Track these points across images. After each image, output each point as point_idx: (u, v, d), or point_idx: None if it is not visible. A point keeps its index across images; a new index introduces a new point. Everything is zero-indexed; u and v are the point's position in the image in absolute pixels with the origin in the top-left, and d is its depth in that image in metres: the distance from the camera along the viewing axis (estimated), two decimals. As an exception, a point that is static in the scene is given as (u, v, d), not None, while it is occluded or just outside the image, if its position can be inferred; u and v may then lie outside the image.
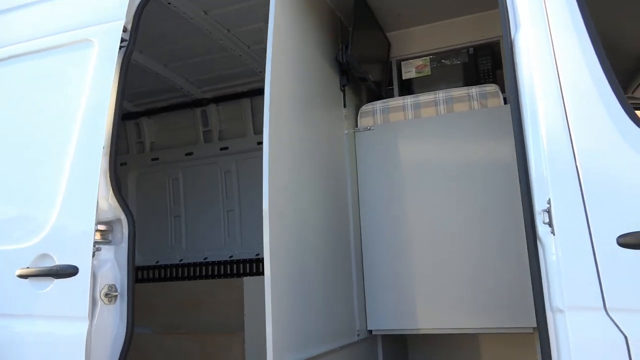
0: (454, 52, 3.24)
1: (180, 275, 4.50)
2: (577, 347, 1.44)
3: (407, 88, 3.38)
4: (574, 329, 1.45)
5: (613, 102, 1.52)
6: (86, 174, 2.08)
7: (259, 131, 4.24)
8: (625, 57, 2.94)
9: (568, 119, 1.56)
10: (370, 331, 2.94)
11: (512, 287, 2.56)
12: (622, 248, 1.42)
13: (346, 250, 2.84)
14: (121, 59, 2.24)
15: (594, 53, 1.58)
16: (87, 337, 1.91)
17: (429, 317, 2.83)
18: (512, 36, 1.75)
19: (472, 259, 2.71)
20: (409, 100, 3.04)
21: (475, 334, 3.17)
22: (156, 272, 4.57)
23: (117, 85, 2.20)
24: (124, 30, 2.26)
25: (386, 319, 2.91)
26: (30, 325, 2.01)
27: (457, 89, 2.96)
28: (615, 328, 1.40)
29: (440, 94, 2.95)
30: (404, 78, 3.33)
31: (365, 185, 3.02)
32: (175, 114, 4.47)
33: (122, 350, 2.06)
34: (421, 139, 2.93)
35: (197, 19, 3.15)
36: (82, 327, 1.92)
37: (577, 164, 1.51)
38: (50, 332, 1.97)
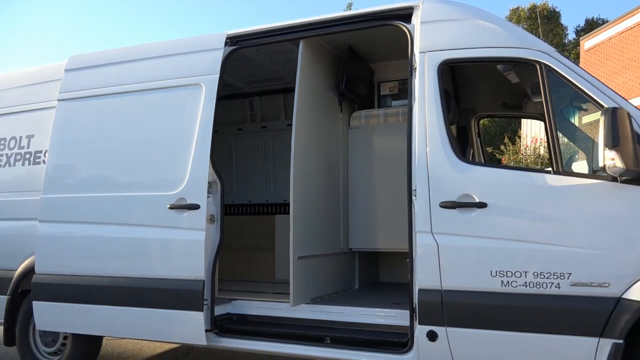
0: (413, 80, 5.06)
1: (231, 212, 6.51)
2: (420, 248, 3.39)
3: (385, 100, 5.26)
4: (419, 240, 3.40)
5: (446, 141, 3.40)
6: (201, 158, 4.03)
7: (288, 116, 6.12)
8: (514, 91, 4.72)
9: (427, 148, 3.45)
10: (351, 249, 4.98)
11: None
12: (440, 207, 3.35)
13: (337, 197, 4.84)
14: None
15: (442, 118, 3.44)
16: (205, 238, 3.95)
17: (392, 240, 4.75)
18: (412, 104, 3.62)
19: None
20: (381, 111, 4.94)
21: None
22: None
23: (214, 109, 4.13)
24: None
25: (362, 240, 4.92)
26: (174, 232, 4.03)
27: (410, 106, 4.83)
28: (434, 240, 3.35)
29: (400, 109, 4.83)
30: (381, 94, 5.21)
31: (351, 161, 4.96)
32: (231, 101, 6.31)
33: (217, 249, 4.09)
34: (385, 136, 4.84)
35: (251, 53, 5.02)
36: (202, 234, 3.94)
37: (428, 169, 3.42)
38: (186, 235, 4.00)
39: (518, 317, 3.15)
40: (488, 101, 5.14)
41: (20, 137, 5.12)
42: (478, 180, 3.33)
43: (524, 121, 22.35)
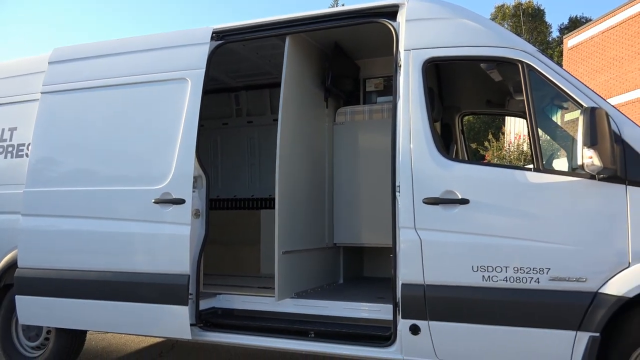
0: (398, 77, 5.10)
1: (217, 206, 6.49)
2: (403, 244, 3.44)
3: (370, 97, 5.29)
4: (403, 236, 3.45)
5: (429, 138, 3.45)
6: (186, 152, 4.02)
7: (274, 111, 6.12)
8: (498, 89, 4.78)
9: (411, 145, 3.49)
10: (335, 244, 5.02)
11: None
12: (423, 203, 3.40)
13: (322, 192, 4.88)
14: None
15: (426, 115, 3.49)
16: (190, 233, 3.95)
17: (376, 236, 4.80)
18: (396, 101, 3.66)
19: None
20: (366, 107, 4.98)
21: None
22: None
23: (200, 104, 4.13)
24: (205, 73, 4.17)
25: (346, 235, 4.96)
26: (159, 226, 4.02)
27: (395, 103, 4.87)
28: (417, 236, 3.40)
29: (385, 105, 4.87)
30: (367, 91, 5.25)
31: (337, 156, 4.99)
32: (216, 95, 6.28)
33: (202, 243, 4.09)
34: (370, 132, 4.88)
35: (237, 48, 5.02)
36: (187, 229, 3.94)
37: (412, 165, 3.47)
38: (171, 230, 3.99)
39: (498, 311, 3.22)
40: (472, 99, 5.21)
41: (3, 130, 5.06)
42: (460, 177, 3.38)
43: (507, 118, 22.61)
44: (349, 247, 5.16)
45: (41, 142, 4.57)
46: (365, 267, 5.58)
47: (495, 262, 3.23)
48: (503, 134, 23.34)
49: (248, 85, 6.22)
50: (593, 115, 2.95)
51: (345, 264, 5.18)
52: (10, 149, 4.99)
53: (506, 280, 3.21)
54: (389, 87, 5.20)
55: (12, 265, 4.56)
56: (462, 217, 3.32)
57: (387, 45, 4.70)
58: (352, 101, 5.25)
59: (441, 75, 5.03)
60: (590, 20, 24.98)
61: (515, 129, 21.67)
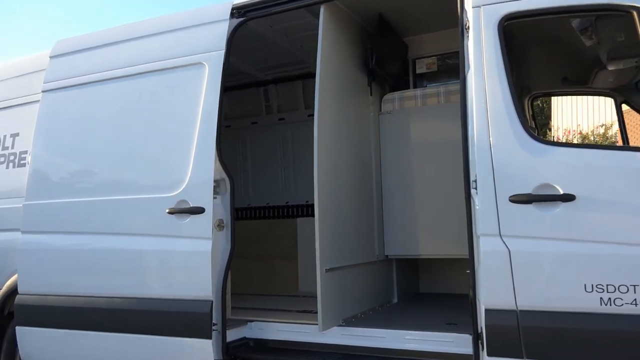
0: (454, 54, 4.28)
1: (248, 216, 5.82)
2: (485, 257, 2.62)
3: (421, 79, 4.49)
4: (484, 246, 2.63)
5: (514, 117, 2.63)
6: (205, 152, 3.33)
7: (308, 106, 5.41)
8: (581, 61, 3.90)
9: (489, 127, 2.68)
10: (387, 256, 4.21)
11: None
12: (511, 202, 2.58)
13: (369, 197, 4.08)
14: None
15: (507, 87, 2.67)
16: (212, 249, 3.23)
17: (437, 245, 4.01)
18: (465, 73, 2.86)
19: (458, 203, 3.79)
20: (418, 92, 4.17)
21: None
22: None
23: (220, 92, 3.42)
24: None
25: (400, 245, 4.16)
26: (175, 242, 3.33)
27: (453, 84, 4.05)
28: (504, 245, 2.57)
29: (441, 88, 4.06)
30: (417, 72, 4.44)
31: (385, 152, 4.20)
32: (243, 91, 5.61)
33: (228, 261, 3.36)
34: (425, 121, 4.07)
35: (264, 31, 4.30)
36: (208, 244, 3.23)
37: (492, 153, 2.65)
38: (188, 246, 3.29)
39: (627, 346, 2.36)
40: (545, 76, 4.31)
41: (4, 137, 4.48)
42: (561, 165, 2.54)
43: (554, 113, 21.30)
44: (402, 259, 4.35)
45: (42, 147, 3.95)
46: (422, 282, 4.75)
47: (618, 280, 2.37)
48: (550, 129, 22.02)
49: (278, 77, 5.51)
50: None
51: (399, 280, 4.37)
52: (12, 157, 4.39)
53: (635, 304, 2.34)
54: (444, 69, 4.41)
55: (15, 290, 3.93)
56: (566, 219, 2.48)
57: (440, 17, 3.92)
58: (400, 86, 4.45)
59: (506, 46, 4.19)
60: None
61: (564, 124, 20.34)
